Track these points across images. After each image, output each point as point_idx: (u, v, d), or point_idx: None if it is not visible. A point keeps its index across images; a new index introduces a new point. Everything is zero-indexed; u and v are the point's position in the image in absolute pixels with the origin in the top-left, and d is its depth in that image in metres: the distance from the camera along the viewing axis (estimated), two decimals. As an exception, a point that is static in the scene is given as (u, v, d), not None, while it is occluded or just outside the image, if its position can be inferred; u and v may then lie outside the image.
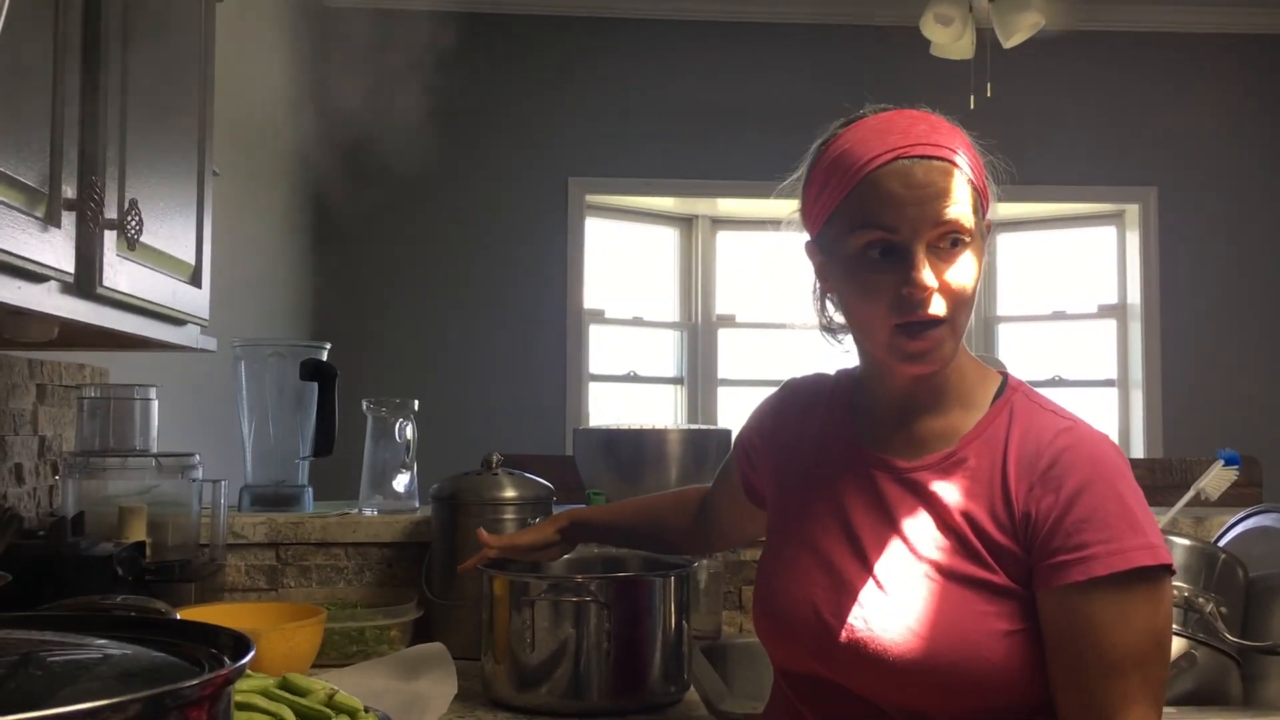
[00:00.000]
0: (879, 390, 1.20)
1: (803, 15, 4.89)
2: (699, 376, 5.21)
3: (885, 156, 1.09)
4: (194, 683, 0.51)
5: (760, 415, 1.36)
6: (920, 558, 1.09)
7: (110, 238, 1.30)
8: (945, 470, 1.12)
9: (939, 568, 1.08)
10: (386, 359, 4.52)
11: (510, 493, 1.89)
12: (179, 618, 0.62)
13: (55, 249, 1.18)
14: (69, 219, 1.20)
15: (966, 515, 1.09)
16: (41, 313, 1.22)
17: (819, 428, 1.25)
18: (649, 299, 5.24)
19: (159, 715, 0.50)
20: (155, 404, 1.91)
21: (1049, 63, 4.67)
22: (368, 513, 2.07)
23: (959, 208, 1.09)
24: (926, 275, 1.07)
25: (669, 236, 5.33)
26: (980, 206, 1.13)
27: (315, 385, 2.10)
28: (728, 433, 2.22)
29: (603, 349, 5.06)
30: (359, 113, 4.17)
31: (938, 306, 1.08)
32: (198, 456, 1.85)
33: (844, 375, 1.29)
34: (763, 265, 5.33)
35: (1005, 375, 1.19)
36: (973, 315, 1.13)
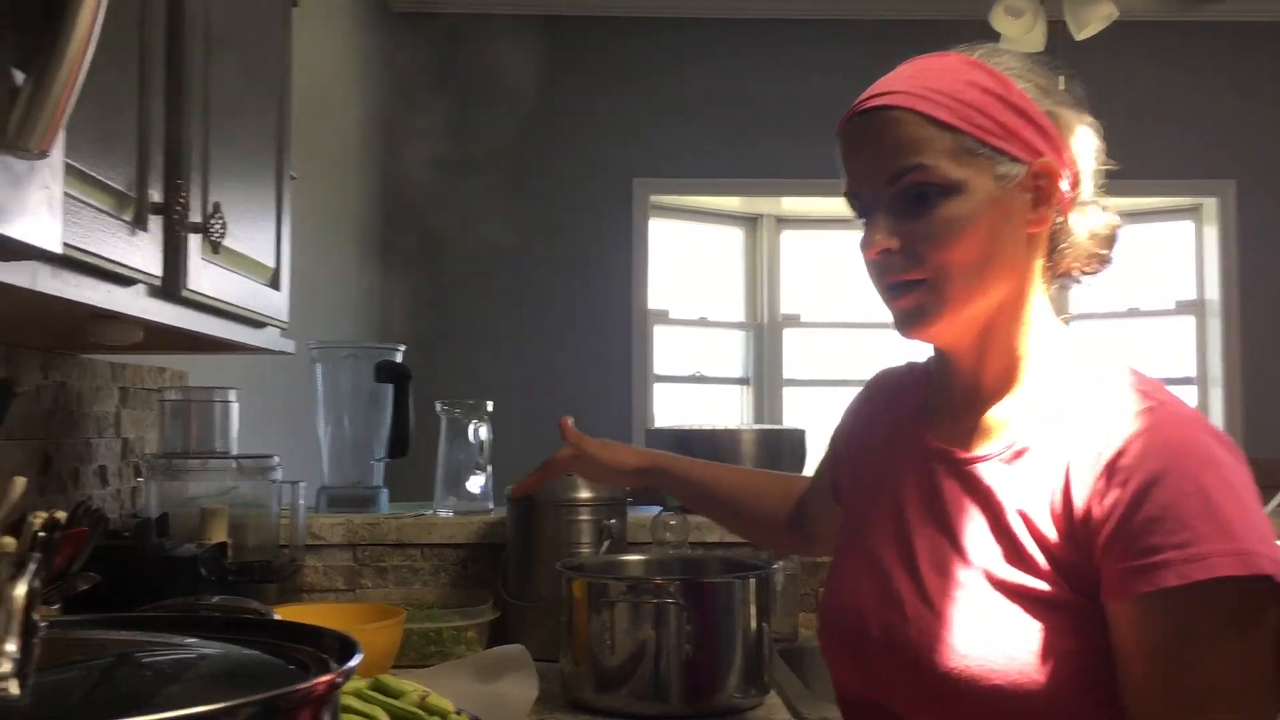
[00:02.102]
0: (944, 374, 1.10)
1: (871, 10, 4.84)
2: (764, 377, 5.18)
3: (841, 121, 1.04)
4: (307, 685, 0.50)
5: (847, 410, 1.27)
6: (969, 563, 0.97)
7: (195, 241, 1.31)
8: (1005, 462, 0.99)
9: (988, 575, 0.95)
10: (457, 360, 4.54)
11: (585, 494, 1.88)
12: (279, 619, 0.62)
13: (143, 252, 1.19)
14: (156, 223, 1.21)
15: (1023, 514, 0.95)
16: (129, 316, 1.24)
17: (893, 419, 1.15)
18: (714, 299, 5.22)
19: (272, 717, 0.49)
20: (235, 406, 1.93)
21: (1123, 55, 4.57)
22: (443, 514, 2.08)
23: (914, 157, 0.97)
24: (875, 235, 0.99)
25: (734, 236, 5.30)
26: (990, 147, 0.98)
27: (390, 387, 2.11)
28: (801, 433, 2.20)
29: (668, 350, 5.04)
30: (427, 117, 4.20)
31: (903, 267, 0.99)
32: (277, 458, 1.87)
33: (928, 361, 1.18)
34: (828, 264, 5.28)
35: (1105, 359, 1.04)
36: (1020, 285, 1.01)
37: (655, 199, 4.93)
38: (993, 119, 0.98)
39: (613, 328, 4.83)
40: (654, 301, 4.92)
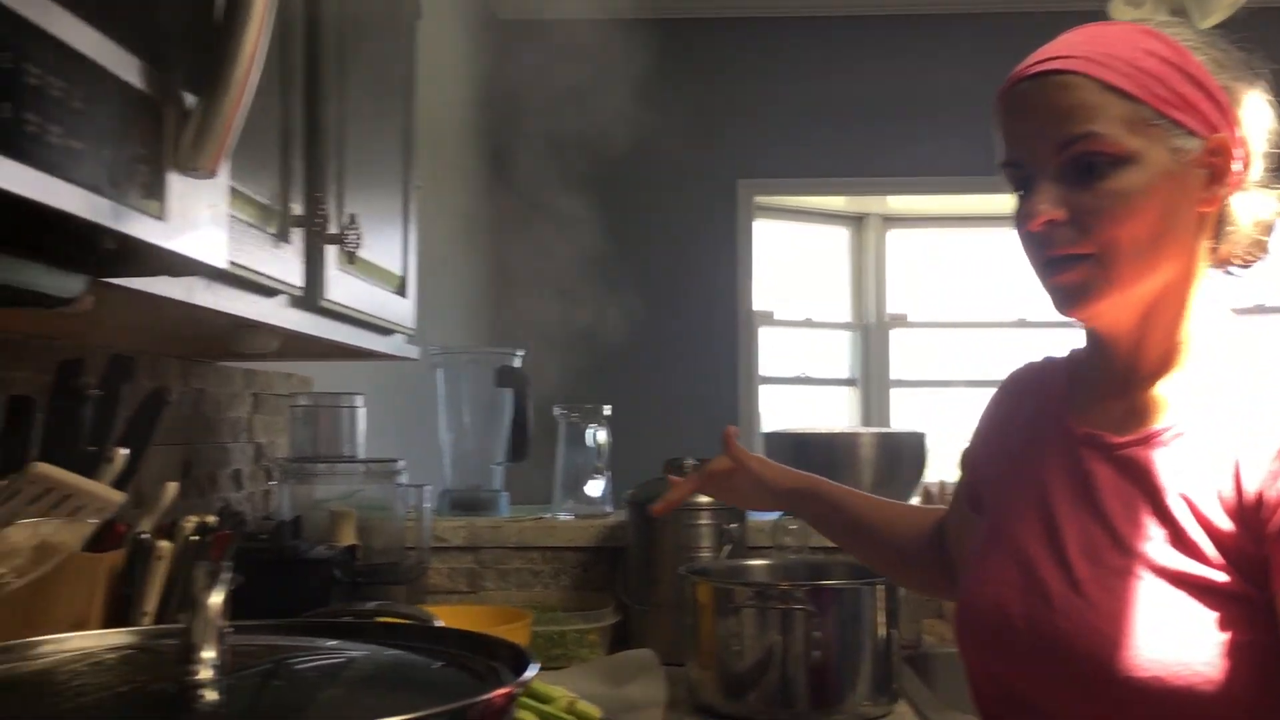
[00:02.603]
0: (1096, 359, 1.05)
1: (979, 4, 4.75)
2: (871, 378, 5.12)
3: (1005, 85, 0.99)
4: (491, 695, 0.51)
5: (980, 421, 1.22)
6: (1126, 550, 0.92)
7: (332, 251, 1.34)
8: (1164, 445, 0.95)
9: (1148, 563, 0.91)
10: (571, 363, 4.57)
11: (705, 498, 1.87)
12: (451, 629, 0.63)
13: (285, 263, 1.22)
14: (297, 234, 1.25)
15: (1186, 499, 0.91)
16: (271, 325, 1.27)
17: (1032, 411, 1.11)
18: (820, 300, 5.18)
19: (456, 727, 0.50)
20: (362, 411, 1.97)
21: (1249, 44, 4.41)
22: (562, 517, 2.09)
23: (1087, 124, 0.92)
24: (1038, 204, 0.94)
25: (839, 236, 5.25)
26: (1167, 119, 0.93)
27: (509, 391, 2.14)
28: (921, 436, 2.17)
29: (773, 351, 5.01)
30: (534, 122, 4.24)
31: (1069, 240, 0.94)
32: (402, 462, 1.90)
33: (1072, 352, 1.14)
34: (935, 262, 5.20)
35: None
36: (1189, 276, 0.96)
37: (760, 200, 4.91)
38: (1171, 89, 0.94)
39: (718, 330, 4.81)
40: (759, 303, 4.90)
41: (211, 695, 0.50)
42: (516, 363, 2.18)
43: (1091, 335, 1.06)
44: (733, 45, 4.84)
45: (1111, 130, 0.93)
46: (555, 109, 4.13)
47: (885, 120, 4.76)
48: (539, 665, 0.55)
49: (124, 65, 0.64)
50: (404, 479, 1.89)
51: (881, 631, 1.51)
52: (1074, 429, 1.03)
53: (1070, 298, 0.96)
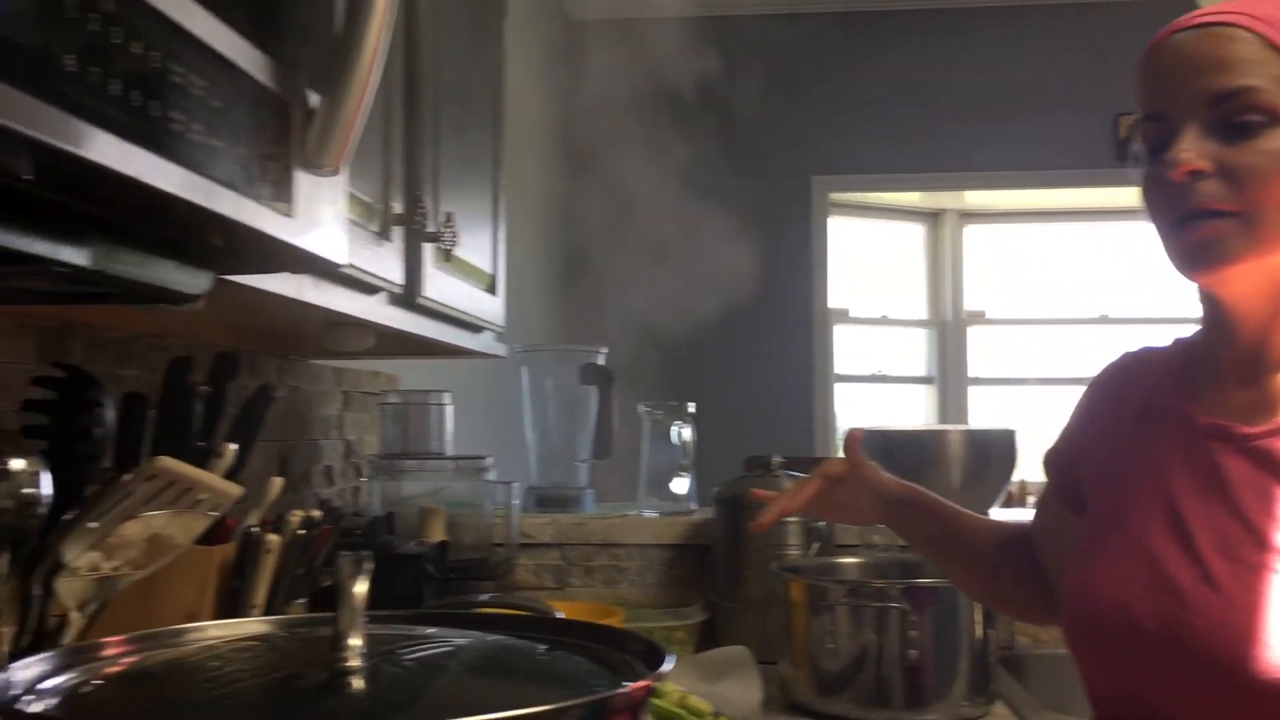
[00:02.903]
0: (1219, 342, 1.00)
1: (1058, -5, 4.66)
2: (948, 375, 5.05)
3: (1159, 37, 0.95)
4: (631, 689, 0.51)
5: (1073, 415, 1.17)
6: (1265, 545, 0.89)
7: (429, 249, 1.35)
8: None
9: None
10: (651, 360, 4.58)
11: (793, 495, 1.86)
12: (578, 621, 0.63)
13: (386, 261, 1.24)
14: (397, 233, 1.26)
15: None
16: (370, 322, 1.29)
17: (1140, 404, 1.07)
18: (895, 296, 5.12)
19: (596, 718, 0.50)
20: (449, 409, 1.99)
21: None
22: (647, 514, 2.10)
23: (1247, 79, 0.89)
24: (1182, 152, 0.90)
25: (915, 232, 5.19)
26: None
27: (594, 389, 2.15)
28: (1011, 434, 2.13)
29: (848, 348, 4.97)
30: (609, 120, 4.25)
31: (1214, 195, 0.89)
32: (489, 459, 1.92)
33: (1179, 341, 1.10)
34: (1013, 258, 5.12)
35: None
36: None
37: (834, 196, 4.87)
38: None
39: (792, 326, 4.79)
40: (834, 300, 4.86)
41: (360, 681, 0.50)
42: (600, 360, 2.18)
43: (1213, 317, 1.01)
44: (805, 41, 4.81)
45: (1272, 88, 0.89)
46: (630, 107, 4.14)
47: (962, 115, 4.70)
48: (674, 658, 0.55)
49: (256, 64, 0.65)
50: (491, 476, 1.91)
51: (979, 631, 1.49)
52: (1196, 420, 0.99)
53: (1203, 255, 0.92)
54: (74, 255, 0.61)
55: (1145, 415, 1.06)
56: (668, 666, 0.54)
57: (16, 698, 0.51)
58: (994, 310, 5.12)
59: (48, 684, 0.53)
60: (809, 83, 4.79)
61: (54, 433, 0.94)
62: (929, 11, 4.76)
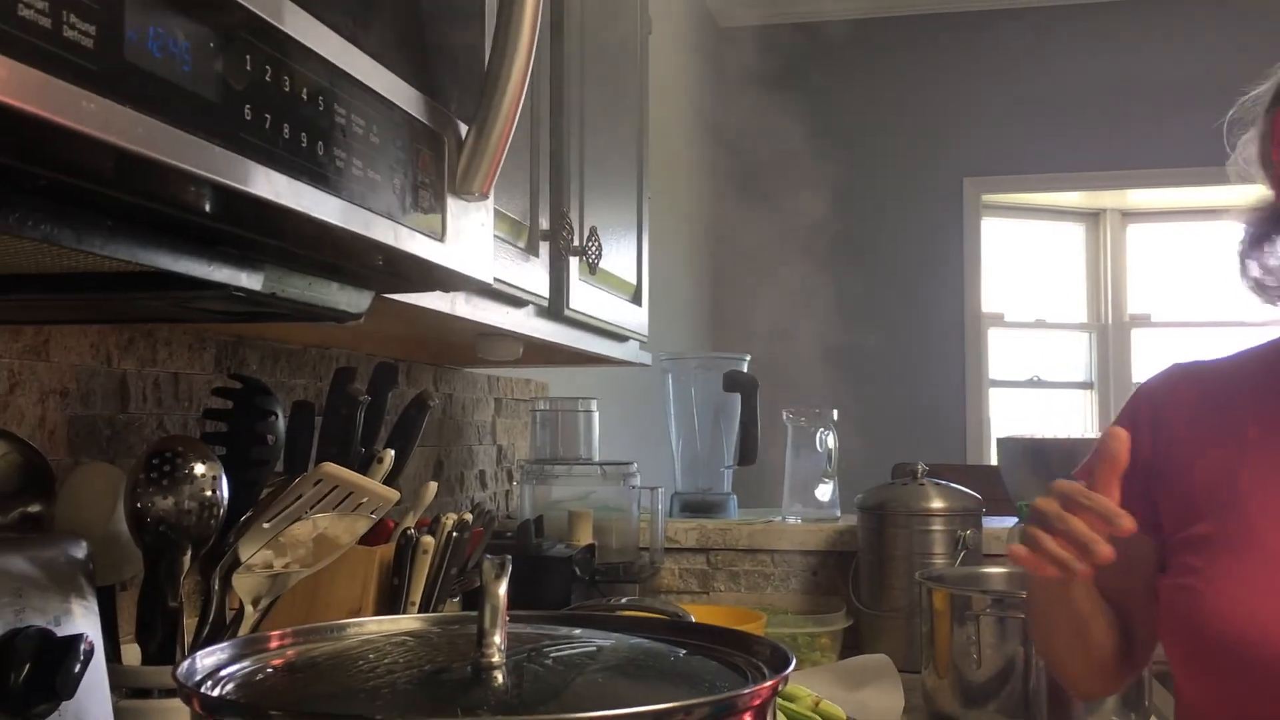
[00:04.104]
0: None
1: (1226, -16, 4.47)
2: (1110, 381, 4.89)
3: None
4: (756, 688, 0.53)
5: (1122, 428, 1.03)
6: None
7: (574, 263, 1.40)
8: None
9: None
10: (797, 366, 4.58)
11: (938, 504, 1.85)
12: (706, 624, 0.66)
13: (533, 275, 1.29)
14: (544, 248, 1.31)
15: None
16: (518, 334, 1.35)
17: (1237, 419, 1.02)
18: (1053, 300, 4.98)
19: (723, 717, 0.53)
20: (596, 415, 2.04)
21: None
22: (791, 520, 2.11)
23: None
24: None
25: (1074, 233, 5.04)
26: None
27: (737, 396, 2.17)
28: (1170, 443, 2.07)
29: (1003, 353, 4.86)
30: (757, 126, 4.27)
31: None
32: (635, 465, 1.96)
33: (1250, 351, 1.07)
34: (1181, 259, 4.92)
35: None
36: None
37: (987, 198, 4.77)
38: None
39: (945, 331, 4.71)
40: (989, 304, 4.76)
41: (502, 676, 0.54)
42: (744, 367, 2.21)
43: None
44: (956, 40, 4.73)
45: None
46: (777, 112, 4.14)
47: (1121, 109, 4.54)
48: (794, 663, 0.57)
49: (411, 101, 0.70)
50: (637, 481, 1.95)
51: (1130, 646, 1.46)
52: None
53: None
54: (250, 280, 0.67)
55: (1254, 432, 1.02)
56: (790, 669, 0.56)
57: (200, 683, 0.56)
58: (1160, 313, 4.93)
59: (225, 671, 0.59)
60: (959, 82, 4.71)
61: (232, 439, 1.02)
62: (1081, 7, 4.62)
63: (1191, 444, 1.06)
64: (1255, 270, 1.08)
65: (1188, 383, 1.11)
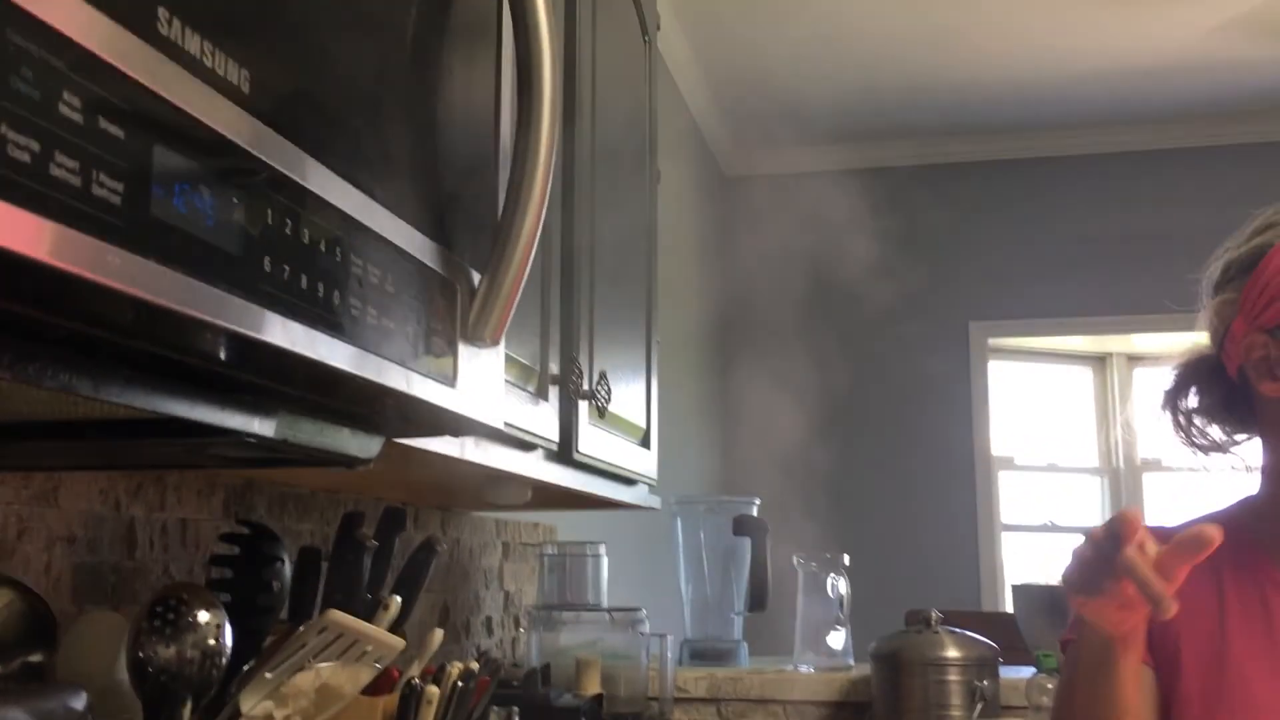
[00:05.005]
0: None
1: (1221, 136, 4.58)
2: (1125, 525, 4.83)
3: None
4: None
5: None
6: None
7: (583, 406, 1.41)
8: None
9: None
10: (803, 511, 4.55)
11: (954, 653, 1.81)
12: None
13: (543, 419, 1.29)
14: (553, 392, 1.32)
15: None
16: (527, 478, 1.34)
17: (1221, 578, 1.07)
18: (1064, 443, 4.97)
19: None
20: (605, 560, 2.02)
21: None
22: (804, 669, 2.06)
23: None
24: None
25: (1082, 377, 5.05)
26: None
27: (747, 540, 2.15)
28: (1188, 589, 2.03)
29: (1015, 497, 4.82)
30: (760, 274, 4.33)
31: None
32: (644, 611, 1.93)
33: (1234, 510, 1.12)
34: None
35: None
36: None
37: (994, 342, 4.81)
38: None
39: (955, 474, 4.68)
40: (999, 447, 4.74)
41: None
42: (754, 509, 2.19)
43: None
44: (961, 189, 4.83)
45: None
46: (782, 257, 4.21)
47: (1125, 256, 4.61)
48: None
49: (424, 250, 0.71)
50: (646, 628, 1.92)
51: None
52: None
53: None
54: (262, 427, 0.68)
55: (1237, 587, 1.07)
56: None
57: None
58: (1171, 457, 4.90)
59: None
60: (964, 229, 4.79)
61: (237, 586, 1.00)
62: (1088, 156, 4.74)
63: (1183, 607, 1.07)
64: (1180, 420, 1.14)
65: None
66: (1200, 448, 1.14)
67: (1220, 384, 1.12)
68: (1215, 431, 1.13)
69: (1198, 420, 1.14)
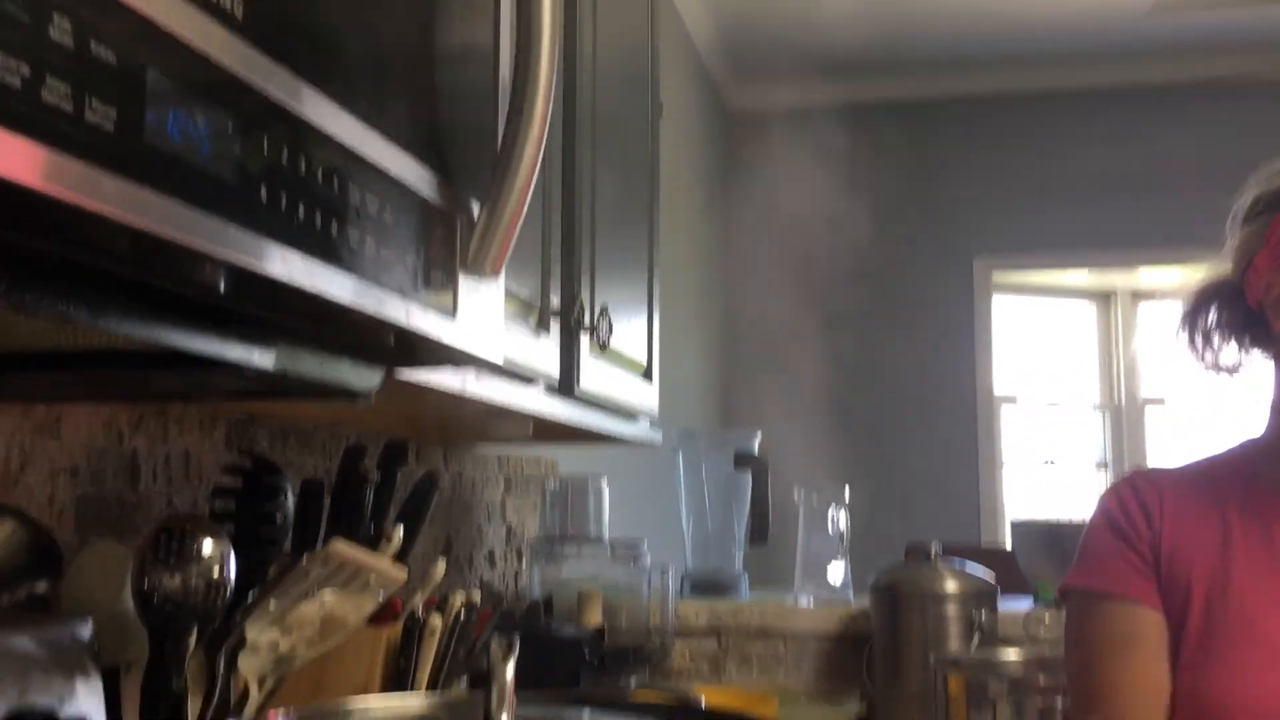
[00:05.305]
0: None
1: (1228, 73, 4.52)
2: (1125, 463, 4.85)
3: None
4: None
5: (1129, 520, 1.12)
6: None
7: (584, 341, 1.40)
8: None
9: None
10: (805, 444, 4.56)
11: (953, 586, 1.83)
12: (722, 712, 0.64)
13: (544, 354, 1.29)
14: (555, 326, 1.32)
15: None
16: (527, 412, 1.34)
17: (1227, 515, 1.09)
18: (1066, 380, 4.97)
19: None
20: (606, 494, 2.03)
21: None
22: (803, 602, 2.08)
23: None
24: None
25: (1086, 313, 5.04)
26: None
27: (748, 474, 2.16)
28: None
29: (1016, 433, 4.84)
30: (763, 207, 4.30)
31: None
32: (646, 543, 1.94)
33: (1238, 452, 1.13)
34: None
35: None
36: None
37: (998, 277, 4.79)
38: None
39: (957, 411, 4.69)
40: (1002, 384, 4.75)
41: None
42: (755, 443, 2.20)
43: None
44: (968, 123, 4.79)
45: None
46: (784, 191, 4.18)
47: (1132, 192, 4.58)
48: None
49: (424, 181, 0.70)
50: (647, 561, 1.93)
51: (1150, 732, 1.42)
52: None
53: None
54: (262, 359, 0.68)
55: (1239, 526, 1.07)
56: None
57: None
58: (1175, 395, 4.91)
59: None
60: (970, 164, 4.76)
61: (240, 518, 1.01)
62: (1094, 92, 4.68)
63: (1179, 540, 1.10)
64: (1197, 339, 1.14)
65: (1157, 486, 1.14)
66: (1216, 368, 1.13)
67: (1239, 307, 1.12)
68: (1231, 352, 1.13)
69: (1215, 339, 1.14)
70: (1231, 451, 1.15)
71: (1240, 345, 1.14)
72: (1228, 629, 1.05)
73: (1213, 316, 1.14)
